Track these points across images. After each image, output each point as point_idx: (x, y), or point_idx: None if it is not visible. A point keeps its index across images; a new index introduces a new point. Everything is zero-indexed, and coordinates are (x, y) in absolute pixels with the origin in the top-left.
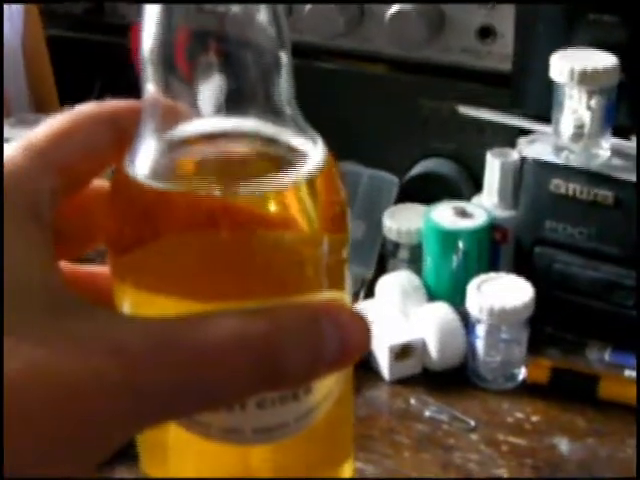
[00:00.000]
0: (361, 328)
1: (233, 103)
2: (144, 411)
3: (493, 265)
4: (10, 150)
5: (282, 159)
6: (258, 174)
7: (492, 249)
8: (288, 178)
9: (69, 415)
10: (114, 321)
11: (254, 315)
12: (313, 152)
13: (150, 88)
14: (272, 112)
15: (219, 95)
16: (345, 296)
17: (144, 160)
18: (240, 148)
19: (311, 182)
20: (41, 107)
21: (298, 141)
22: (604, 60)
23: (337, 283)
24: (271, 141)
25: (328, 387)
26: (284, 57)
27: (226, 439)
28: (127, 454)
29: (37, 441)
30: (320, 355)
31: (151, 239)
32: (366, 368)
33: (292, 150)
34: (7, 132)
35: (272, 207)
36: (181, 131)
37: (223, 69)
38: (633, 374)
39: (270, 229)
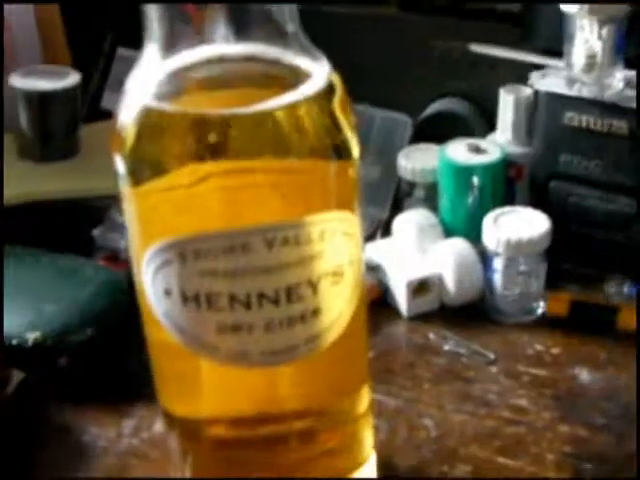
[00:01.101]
0: None
1: (236, 28)
2: None
3: (509, 202)
4: None
5: (287, 80)
6: (262, 96)
7: (507, 186)
8: (291, 98)
9: None
10: None
11: None
12: (318, 72)
13: (153, 16)
14: (276, 34)
15: (223, 22)
16: (356, 218)
17: (149, 86)
18: (243, 71)
19: (316, 101)
20: (52, 59)
21: (302, 61)
22: None
23: (348, 205)
24: (275, 62)
25: (338, 311)
26: None
27: (235, 362)
28: (146, 391)
29: None
30: None
31: (165, 164)
32: (383, 305)
33: (296, 70)
34: (18, 82)
35: (277, 126)
36: (185, 57)
37: None
38: None
39: (277, 151)
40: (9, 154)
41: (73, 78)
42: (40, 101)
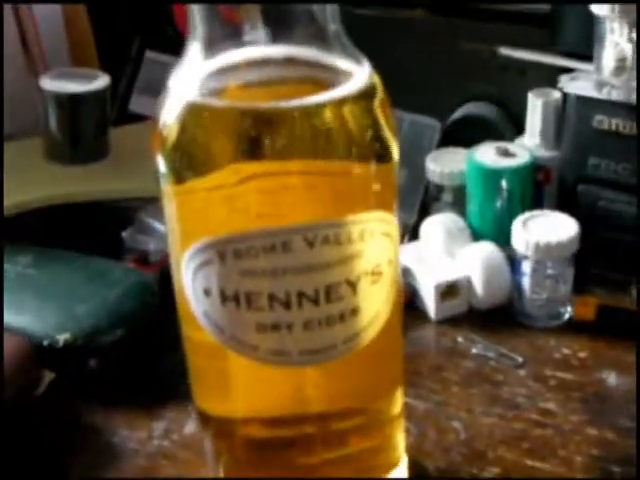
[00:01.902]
0: None
1: (278, 29)
2: None
3: (537, 206)
4: None
5: (328, 81)
6: (304, 95)
7: (536, 190)
8: (335, 95)
9: None
10: None
11: None
12: (359, 73)
13: (197, 17)
14: (317, 34)
15: (263, 23)
16: (394, 219)
17: (192, 85)
18: (285, 72)
19: (358, 101)
20: (80, 63)
21: (343, 62)
22: None
23: (387, 206)
24: (316, 64)
25: (375, 310)
26: None
27: (274, 361)
28: (176, 392)
29: None
30: None
31: (208, 162)
32: (412, 308)
33: (337, 71)
34: (48, 84)
35: (320, 122)
36: (227, 58)
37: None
38: None
39: (320, 151)
40: (37, 156)
41: (103, 80)
42: (70, 103)
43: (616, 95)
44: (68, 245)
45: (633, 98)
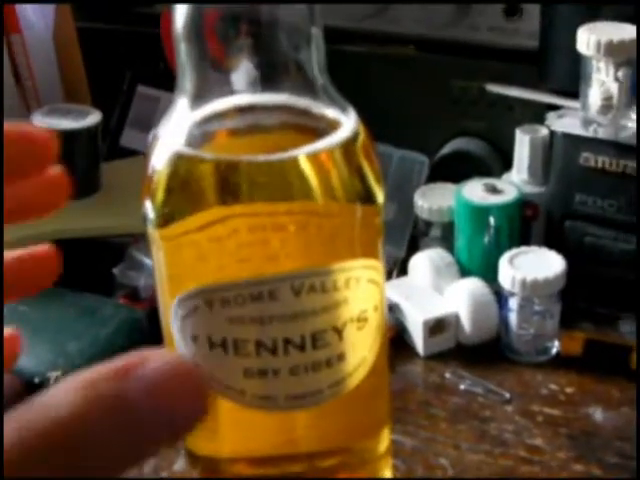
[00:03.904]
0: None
1: (266, 79)
2: None
3: (524, 242)
4: None
5: (315, 129)
6: (290, 144)
7: (523, 226)
8: (320, 146)
9: None
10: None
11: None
12: (345, 121)
13: (184, 68)
14: (304, 85)
15: (252, 73)
16: (380, 265)
17: (180, 133)
18: (273, 120)
19: (343, 150)
20: (72, 97)
21: (330, 111)
22: (631, 31)
23: (373, 252)
24: (304, 112)
25: (361, 355)
26: (315, 31)
27: (261, 405)
28: None
29: None
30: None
31: (193, 211)
32: (400, 343)
33: (324, 120)
34: (40, 121)
35: (305, 175)
36: (215, 106)
37: (255, 47)
38: None
39: (305, 197)
40: None
41: (94, 117)
42: (62, 140)
43: (602, 133)
44: (59, 281)
45: (619, 136)
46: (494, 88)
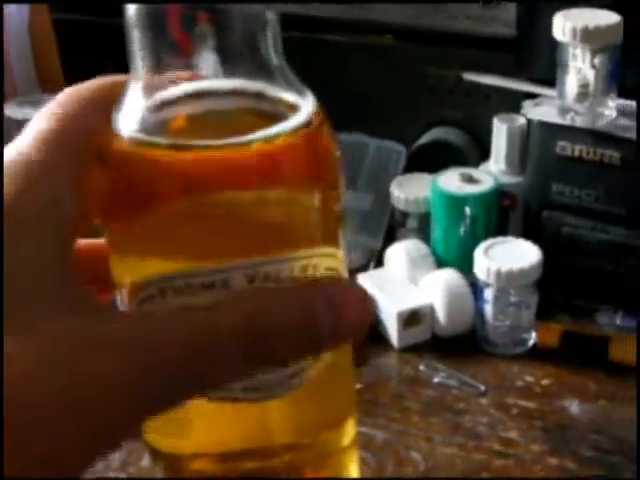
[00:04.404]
0: (359, 309)
1: (225, 64)
2: (148, 407)
3: (502, 232)
4: (21, 143)
5: (272, 113)
6: (245, 128)
7: (501, 216)
8: (276, 130)
9: (80, 418)
10: (114, 320)
11: (243, 301)
12: (303, 105)
13: (137, 54)
14: (261, 69)
15: (212, 58)
16: (340, 253)
17: (133, 122)
18: (228, 105)
19: (300, 134)
20: (47, 88)
21: (287, 95)
22: (607, 18)
23: (331, 239)
24: (259, 96)
25: None
26: (270, 15)
27: (220, 397)
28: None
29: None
30: (313, 338)
31: (146, 200)
32: (375, 336)
33: (280, 104)
34: (13, 112)
35: (261, 161)
36: (169, 92)
37: (213, 33)
38: None
39: (260, 184)
40: None
41: None
42: None
43: (579, 121)
44: None
45: (596, 124)
46: (471, 76)
